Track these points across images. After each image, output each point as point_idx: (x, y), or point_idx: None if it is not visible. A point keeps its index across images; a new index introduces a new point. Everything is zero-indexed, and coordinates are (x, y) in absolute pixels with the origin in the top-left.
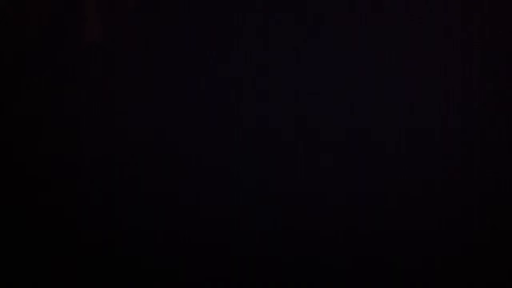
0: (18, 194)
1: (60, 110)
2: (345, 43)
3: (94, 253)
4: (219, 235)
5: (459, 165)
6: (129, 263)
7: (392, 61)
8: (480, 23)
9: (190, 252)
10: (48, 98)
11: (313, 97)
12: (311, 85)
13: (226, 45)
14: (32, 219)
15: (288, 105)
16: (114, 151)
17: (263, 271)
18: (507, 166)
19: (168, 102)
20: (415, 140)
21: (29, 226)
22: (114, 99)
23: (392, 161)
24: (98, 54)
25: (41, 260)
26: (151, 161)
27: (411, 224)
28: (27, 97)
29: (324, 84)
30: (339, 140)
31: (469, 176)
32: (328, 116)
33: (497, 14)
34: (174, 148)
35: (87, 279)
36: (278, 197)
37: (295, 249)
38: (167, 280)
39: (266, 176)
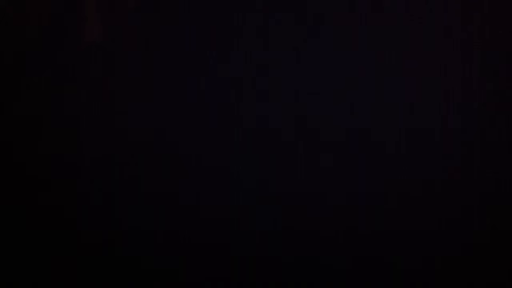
0: (18, 194)
1: (60, 110)
2: (345, 43)
3: (94, 253)
4: (219, 235)
5: (459, 165)
6: (129, 263)
7: (392, 61)
8: (480, 23)
9: (190, 252)
10: (48, 98)
11: (313, 97)
12: (311, 85)
13: (226, 45)
14: (32, 219)
15: (288, 105)
16: (114, 151)
17: (263, 271)
18: (507, 166)
19: (168, 102)
20: (415, 140)
21: (29, 226)
22: (114, 99)
23: (392, 161)
24: (98, 54)
25: (41, 260)
26: (151, 161)
27: (411, 224)
28: (27, 97)
29: (324, 84)
30: (339, 140)
31: (469, 176)
32: (328, 116)
33: (497, 14)
34: (174, 148)
35: (87, 279)
36: (278, 197)
37: (295, 249)
38: (167, 280)
39: (266, 176)
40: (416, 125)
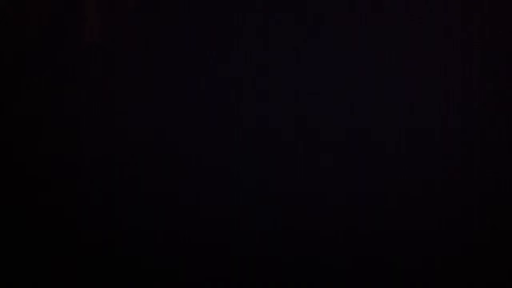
0: (18, 194)
1: (60, 110)
2: (345, 43)
3: (94, 253)
4: (219, 235)
5: (459, 165)
6: (129, 263)
7: (392, 61)
8: (480, 23)
9: (190, 252)
10: (48, 98)
11: (313, 97)
12: (311, 85)
13: (226, 45)
14: (32, 219)
15: (288, 105)
16: (114, 151)
17: (263, 271)
18: (507, 166)
19: (168, 102)
20: (415, 140)
21: (29, 226)
22: (114, 99)
23: (392, 161)
24: (98, 54)
25: (41, 260)
26: (151, 161)
27: (411, 224)
28: (27, 97)
29: (324, 84)
30: (339, 140)
31: (469, 176)
32: (328, 116)
33: (497, 14)
34: (174, 148)
35: (87, 279)
36: (278, 197)
37: (295, 249)
38: (167, 280)
39: (266, 176)
40: (416, 125)
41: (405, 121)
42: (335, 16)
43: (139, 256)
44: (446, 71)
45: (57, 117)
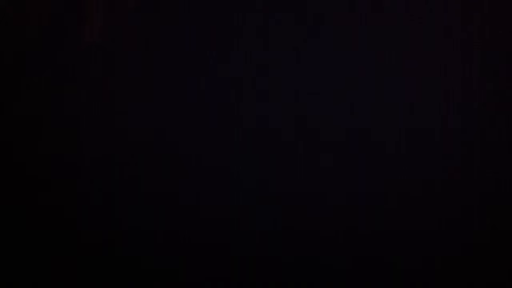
0: (18, 194)
1: (60, 110)
2: (345, 43)
3: (94, 253)
4: (219, 235)
5: (459, 165)
6: (129, 263)
7: (392, 61)
8: (480, 23)
9: (190, 252)
10: (48, 98)
11: (313, 97)
12: (311, 85)
13: (226, 45)
14: (32, 219)
15: (288, 105)
16: (114, 151)
17: (263, 271)
18: (507, 166)
19: (168, 102)
20: (415, 140)
21: (29, 226)
22: (114, 99)
23: (392, 161)
24: (98, 54)
25: (41, 260)
26: (151, 161)
27: (411, 224)
28: (27, 97)
29: (324, 84)
30: (339, 140)
31: (469, 176)
32: (328, 116)
33: (497, 14)
34: (174, 148)
35: (87, 279)
36: (278, 197)
37: (295, 249)
38: (167, 280)
39: (266, 176)
40: (416, 125)
41: (405, 121)
42: (335, 16)
43: (139, 256)
44: (446, 71)
45: (57, 117)
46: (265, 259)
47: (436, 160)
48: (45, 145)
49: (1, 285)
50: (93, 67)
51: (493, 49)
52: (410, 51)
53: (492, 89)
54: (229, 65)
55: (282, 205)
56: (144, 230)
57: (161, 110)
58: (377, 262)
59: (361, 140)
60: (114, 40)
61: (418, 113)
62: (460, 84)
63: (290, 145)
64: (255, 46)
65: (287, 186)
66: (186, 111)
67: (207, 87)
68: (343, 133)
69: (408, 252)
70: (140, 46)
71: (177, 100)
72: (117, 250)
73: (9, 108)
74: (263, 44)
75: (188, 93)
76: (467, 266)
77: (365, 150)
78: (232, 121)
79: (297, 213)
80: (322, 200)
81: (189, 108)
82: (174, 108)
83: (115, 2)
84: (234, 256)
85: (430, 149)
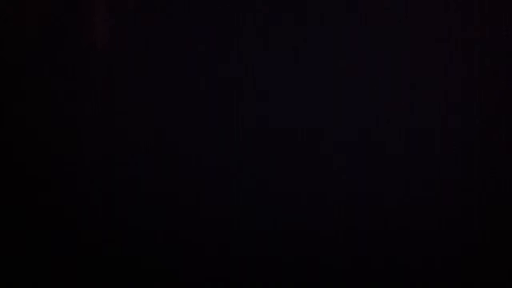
0: (18, 194)
1: (60, 110)
2: (345, 43)
3: (94, 253)
4: (219, 235)
5: (459, 165)
6: (129, 263)
7: (392, 61)
8: (480, 23)
9: (190, 252)
10: (48, 98)
11: (313, 97)
12: (311, 85)
13: (226, 45)
14: (32, 219)
15: (288, 105)
16: (114, 151)
17: (263, 271)
18: (507, 166)
19: (168, 102)
20: (415, 140)
21: (29, 226)
22: (114, 99)
23: (392, 161)
24: (98, 54)
25: (41, 260)
26: (151, 161)
27: (411, 224)
28: (27, 97)
29: (324, 84)
30: (339, 140)
31: (469, 176)
32: (328, 116)
33: (497, 14)
34: (174, 148)
35: (87, 279)
36: (278, 197)
37: (295, 249)
38: (167, 280)
39: (266, 176)
40: (416, 125)
41: (405, 121)
42: (335, 16)
43: (139, 256)
44: (446, 71)
45: (57, 117)
46: (265, 259)
47: (435, 160)
48: (45, 145)
49: (1, 285)
50: (93, 67)
51: (493, 49)
52: (410, 51)
53: (492, 89)
54: (229, 65)
55: (282, 205)
56: (144, 230)
57: (161, 110)
58: (377, 262)
59: (361, 140)
60: (114, 40)
61: (418, 113)
62: (460, 84)
63: (290, 145)
64: (255, 46)
65: (287, 186)
66: (186, 111)
67: (207, 87)
68: (343, 133)
69: (408, 252)
70: (140, 46)
71: (177, 99)
72: (117, 250)
73: (9, 108)
74: (263, 44)
75: (188, 93)
76: (467, 266)
77: (365, 150)
78: (232, 121)
79: (297, 213)
80: (322, 200)
81: (189, 107)
82: (174, 107)
83: (115, 2)
84: (234, 256)
85: (430, 149)
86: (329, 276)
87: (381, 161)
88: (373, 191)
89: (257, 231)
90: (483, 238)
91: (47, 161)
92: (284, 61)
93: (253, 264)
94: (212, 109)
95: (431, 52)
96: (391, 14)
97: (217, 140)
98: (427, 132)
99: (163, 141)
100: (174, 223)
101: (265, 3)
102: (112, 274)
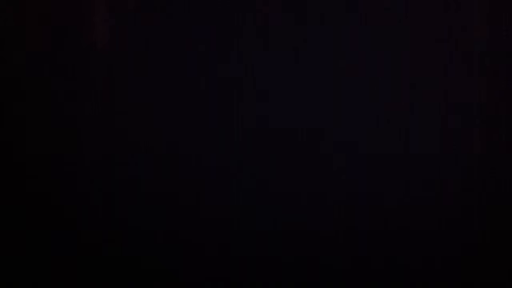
0: (18, 194)
1: (60, 110)
2: (345, 43)
3: (94, 253)
4: (219, 235)
5: (459, 165)
6: (129, 263)
7: (392, 61)
8: (480, 23)
9: (190, 252)
10: (48, 98)
11: (313, 97)
12: (311, 85)
13: (226, 45)
14: (32, 219)
15: (288, 105)
16: (114, 151)
17: (263, 271)
18: (507, 166)
19: (168, 102)
20: (415, 140)
21: (29, 226)
22: (114, 99)
23: (392, 161)
24: (98, 54)
25: (41, 260)
26: (151, 161)
27: (411, 224)
28: (27, 97)
29: (324, 84)
30: (339, 140)
31: (469, 176)
32: (327, 116)
33: (497, 14)
34: (174, 148)
35: (87, 279)
36: (278, 197)
37: (295, 249)
38: (167, 280)
39: (266, 176)
40: (416, 125)
41: (404, 121)
42: (335, 16)
43: (139, 256)
44: (446, 71)
45: (57, 117)
46: (265, 259)
47: (435, 160)
48: (45, 145)
49: (1, 285)
50: (93, 67)
51: (493, 49)
52: (410, 51)
53: (492, 89)
54: (229, 65)
55: (282, 205)
56: (144, 230)
57: (161, 110)
58: (377, 262)
59: (361, 140)
60: (114, 40)
61: (417, 113)
62: (460, 84)
63: (290, 145)
64: (255, 46)
65: (287, 186)
66: (186, 111)
67: (207, 87)
68: (343, 133)
69: (408, 252)
70: (140, 46)
71: (177, 99)
72: (117, 250)
73: (9, 108)
74: (263, 44)
75: (188, 93)
76: (467, 266)
77: (365, 150)
78: (232, 121)
79: (297, 213)
80: (322, 200)
81: (189, 107)
82: (174, 107)
83: (115, 2)
84: (234, 256)
85: (430, 149)
86: (329, 276)
87: (381, 161)
88: (373, 191)
89: (257, 231)
90: (483, 238)
91: (47, 161)
92: (284, 61)
93: (253, 264)
94: (212, 109)
95: (431, 52)
96: (391, 14)
97: (217, 140)
98: (427, 132)
99: (163, 141)
100: (174, 223)
101: (265, 3)
102: (112, 274)
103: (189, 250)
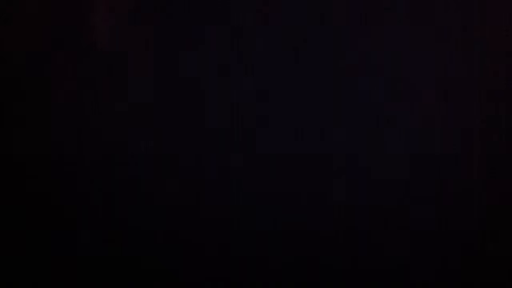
0: (18, 194)
1: (60, 110)
2: (345, 43)
3: (94, 253)
4: (219, 235)
5: (459, 165)
6: (129, 263)
7: (392, 61)
8: (480, 23)
9: (190, 252)
10: (48, 98)
11: (313, 97)
12: (310, 85)
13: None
14: (32, 219)
15: (288, 105)
16: (114, 151)
17: (263, 271)
18: (507, 166)
19: (168, 102)
20: (415, 140)
21: (29, 226)
22: (114, 99)
23: (392, 161)
24: (98, 54)
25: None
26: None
27: (411, 224)
28: (27, 97)
29: (324, 84)
30: (339, 140)
31: (469, 176)
32: (327, 116)
33: (497, 14)
34: (174, 148)
35: (87, 279)
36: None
37: (295, 249)
38: (167, 280)
39: (266, 176)
40: (416, 125)
41: (404, 121)
42: (335, 16)
43: (139, 256)
44: (446, 71)
45: (57, 117)
46: (265, 259)
47: (435, 160)
48: (45, 145)
49: (1, 285)
50: (93, 67)
51: (493, 49)
52: (410, 51)
53: (492, 89)
54: (229, 64)
55: (282, 205)
56: (144, 230)
57: (161, 110)
58: (377, 262)
59: (361, 140)
60: (114, 40)
61: (417, 113)
62: (460, 84)
63: (290, 145)
64: (255, 46)
65: (287, 186)
66: (186, 111)
67: (207, 86)
68: (342, 133)
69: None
70: (140, 46)
71: (177, 99)
72: (117, 250)
73: (9, 108)
74: (263, 44)
75: (188, 92)
76: (467, 266)
77: (365, 150)
78: (232, 120)
79: (297, 213)
80: (322, 200)
81: (189, 107)
82: (174, 107)
83: (115, 2)
84: (234, 256)
85: (430, 149)
86: (329, 276)
87: (381, 161)
88: (373, 191)
89: (257, 231)
90: (483, 238)
91: (47, 161)
92: (284, 61)
93: (253, 264)
94: (212, 109)
95: (431, 52)
96: (391, 14)
97: (217, 139)
98: (427, 132)
99: (163, 141)
100: (174, 223)
101: (265, 3)
102: (112, 274)
103: (189, 250)
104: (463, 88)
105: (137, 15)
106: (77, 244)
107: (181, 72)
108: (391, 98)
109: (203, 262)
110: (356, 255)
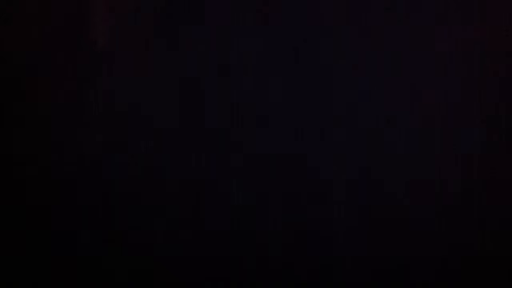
0: (18, 194)
1: (60, 110)
2: (345, 43)
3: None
4: (219, 235)
5: (459, 165)
6: (129, 263)
7: (392, 61)
8: (480, 23)
9: (190, 252)
10: (48, 98)
11: (313, 97)
12: (310, 85)
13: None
14: (32, 219)
15: (288, 105)
16: (114, 151)
17: (263, 271)
18: (507, 166)
19: (168, 102)
20: (415, 140)
21: (29, 226)
22: (114, 99)
23: (392, 161)
24: (98, 54)
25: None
26: (151, 161)
27: (411, 224)
28: (27, 97)
29: (324, 84)
30: (339, 140)
31: (469, 176)
32: (327, 116)
33: (497, 14)
34: (174, 148)
35: (87, 279)
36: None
37: (295, 249)
38: (167, 280)
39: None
40: (416, 125)
41: (404, 121)
42: (335, 16)
43: (139, 256)
44: (446, 71)
45: (57, 117)
46: (265, 259)
47: (435, 160)
48: (45, 145)
49: (1, 285)
50: (93, 67)
51: (493, 49)
52: (410, 51)
53: (492, 89)
54: (229, 64)
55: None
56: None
57: (161, 110)
58: (377, 262)
59: (361, 140)
60: (114, 40)
61: (417, 113)
62: (460, 84)
63: (290, 145)
64: (254, 46)
65: (287, 186)
66: (186, 111)
67: (207, 86)
68: (342, 134)
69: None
70: (140, 46)
71: (177, 99)
72: (117, 250)
73: (9, 108)
74: (263, 44)
75: (188, 92)
76: (467, 266)
77: (365, 150)
78: (232, 120)
79: (297, 213)
80: (322, 200)
81: (189, 107)
82: (174, 107)
83: (115, 2)
84: (234, 256)
85: (430, 149)
86: (329, 276)
87: (381, 161)
88: (373, 191)
89: (257, 230)
90: (483, 238)
91: (47, 161)
92: (284, 61)
93: (253, 264)
94: (212, 109)
95: (431, 52)
96: (391, 14)
97: (217, 139)
98: (427, 132)
99: (163, 141)
100: (174, 223)
101: (265, 3)
102: (112, 274)
103: (189, 250)
104: (463, 88)
105: (137, 15)
106: (77, 244)
107: (181, 72)
108: (391, 98)
109: (203, 262)
110: (356, 255)
